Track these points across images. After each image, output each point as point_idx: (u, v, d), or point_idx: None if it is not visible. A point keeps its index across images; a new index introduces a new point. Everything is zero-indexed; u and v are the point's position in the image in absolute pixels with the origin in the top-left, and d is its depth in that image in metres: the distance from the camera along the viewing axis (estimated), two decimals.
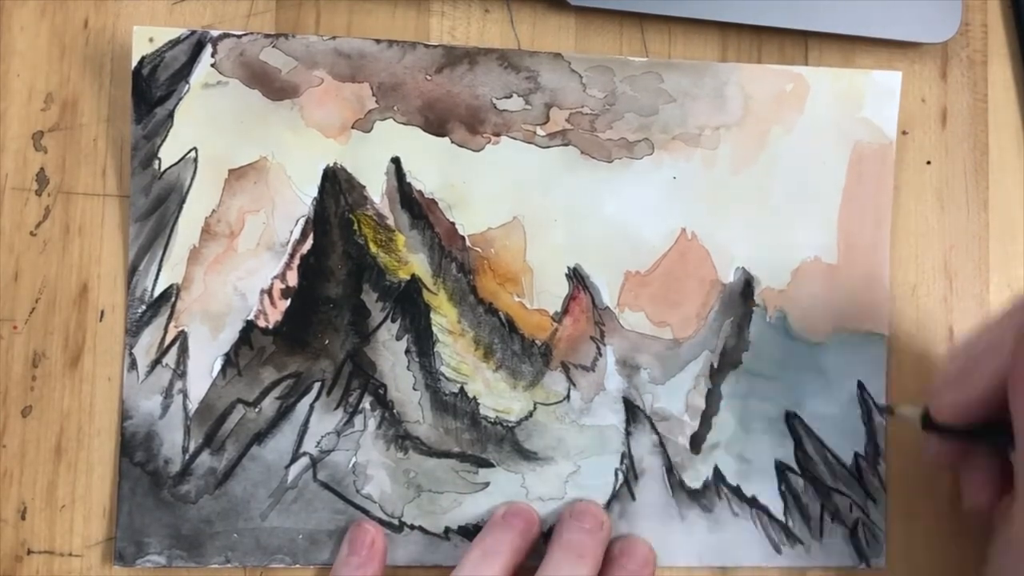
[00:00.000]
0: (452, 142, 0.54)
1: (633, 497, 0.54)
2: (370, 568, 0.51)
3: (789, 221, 0.54)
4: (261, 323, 0.53)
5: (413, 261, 0.53)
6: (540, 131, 0.54)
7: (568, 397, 0.54)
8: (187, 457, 0.52)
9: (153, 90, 0.53)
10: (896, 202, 0.57)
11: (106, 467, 0.52)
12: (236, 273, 0.53)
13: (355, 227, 0.53)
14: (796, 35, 0.57)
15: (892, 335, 0.56)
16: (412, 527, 0.52)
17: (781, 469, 0.54)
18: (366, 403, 0.53)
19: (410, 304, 0.53)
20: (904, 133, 0.57)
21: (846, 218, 0.55)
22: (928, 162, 0.57)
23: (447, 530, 0.53)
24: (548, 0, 0.56)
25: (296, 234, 0.53)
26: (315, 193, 0.53)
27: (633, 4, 0.55)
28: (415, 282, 0.53)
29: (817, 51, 0.57)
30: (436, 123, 0.54)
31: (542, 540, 0.53)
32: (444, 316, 0.53)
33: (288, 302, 0.53)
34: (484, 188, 0.54)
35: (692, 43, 0.57)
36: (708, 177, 0.55)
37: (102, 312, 0.53)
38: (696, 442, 0.54)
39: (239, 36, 0.53)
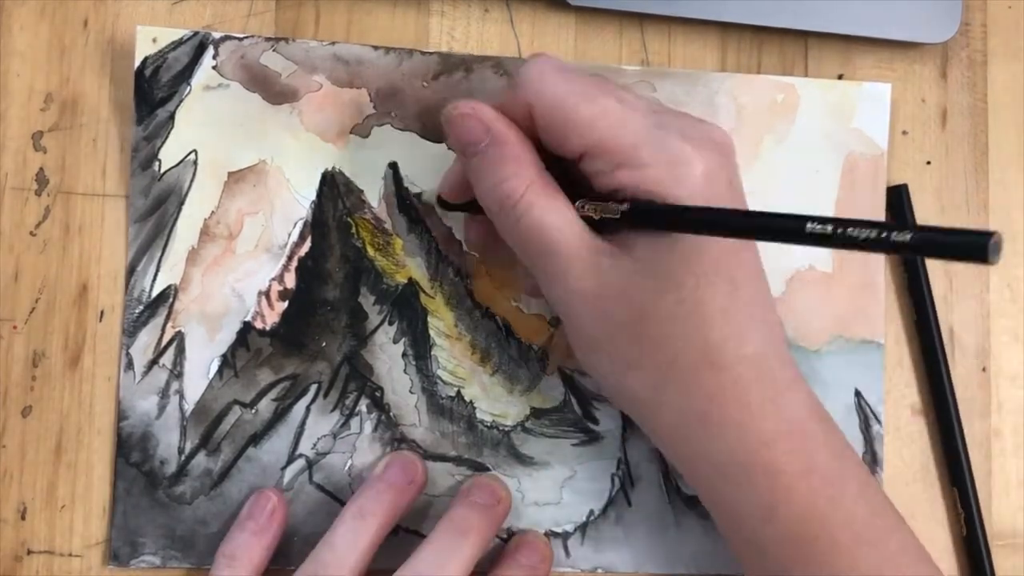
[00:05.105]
0: (448, 148, 0.54)
1: (629, 503, 0.54)
2: (265, 536, 0.50)
3: None
4: (258, 325, 0.53)
5: (410, 265, 0.53)
6: None
7: (565, 402, 0.54)
8: (183, 458, 0.52)
9: (155, 91, 0.53)
10: None
11: (106, 467, 0.52)
12: (234, 275, 0.53)
13: (353, 230, 0.53)
14: (796, 35, 0.57)
15: (890, 337, 0.56)
16: (408, 530, 0.52)
17: None
18: (363, 406, 0.53)
19: (407, 307, 0.53)
20: (904, 133, 0.57)
21: None
22: (928, 162, 0.57)
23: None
24: (548, 0, 0.56)
25: (294, 237, 0.53)
26: (313, 196, 0.53)
27: (633, 4, 0.55)
28: (412, 286, 0.53)
29: (817, 51, 0.57)
30: (433, 129, 0.54)
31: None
32: (441, 320, 0.53)
33: (285, 304, 0.53)
34: None
35: (692, 43, 0.57)
36: None
37: (102, 312, 0.53)
38: None
39: (240, 39, 0.53)
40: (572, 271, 0.45)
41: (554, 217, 0.45)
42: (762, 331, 0.45)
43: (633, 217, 0.43)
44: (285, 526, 0.51)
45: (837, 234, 0.35)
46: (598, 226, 0.45)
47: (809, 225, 0.36)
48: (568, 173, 0.46)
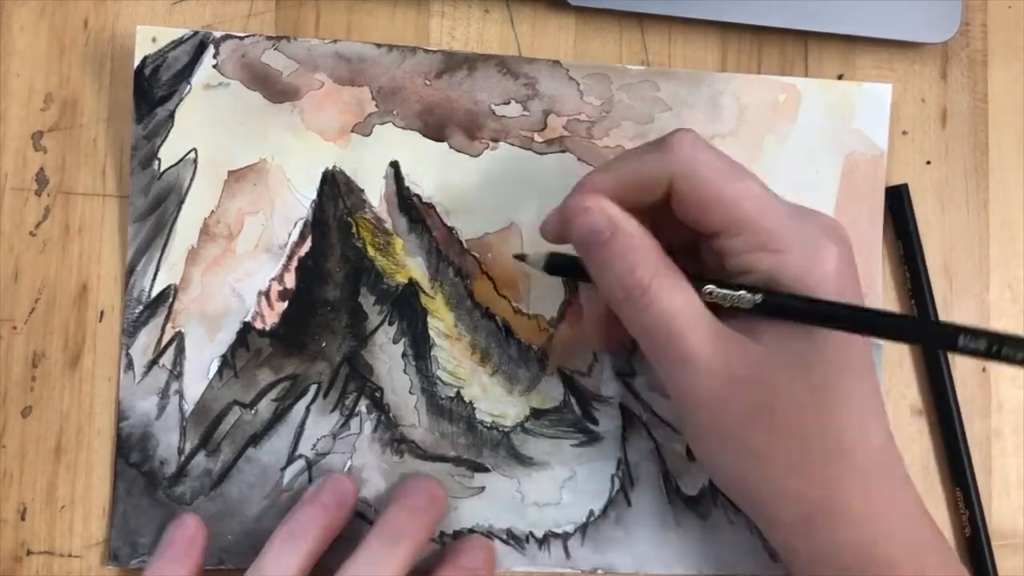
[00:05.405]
0: (450, 147, 0.54)
1: (629, 503, 0.54)
2: (184, 567, 0.49)
3: None
4: (258, 325, 0.53)
5: (411, 265, 0.53)
6: (538, 137, 0.54)
7: (564, 402, 0.54)
8: (183, 458, 0.52)
9: (155, 90, 0.53)
10: None
11: (106, 468, 0.52)
12: (234, 274, 0.53)
13: (353, 230, 0.53)
14: (796, 35, 0.57)
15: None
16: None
17: None
18: (362, 406, 0.53)
19: (407, 308, 0.53)
20: (904, 133, 0.57)
21: None
22: (928, 162, 0.57)
23: (442, 534, 0.53)
24: (548, 0, 0.56)
25: (294, 236, 0.53)
26: (314, 196, 0.53)
27: (633, 4, 0.55)
28: (412, 286, 0.53)
29: (817, 51, 0.57)
30: (435, 128, 0.54)
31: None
32: (441, 320, 0.53)
33: (285, 304, 0.53)
34: (482, 193, 0.54)
35: (692, 43, 0.57)
36: None
37: (102, 312, 0.53)
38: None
39: (241, 38, 0.53)
40: (700, 358, 0.45)
41: (681, 304, 0.45)
42: (882, 422, 0.45)
43: (768, 309, 0.43)
44: (204, 554, 0.51)
45: (992, 352, 0.35)
46: (720, 310, 0.45)
47: (962, 340, 0.36)
48: (686, 254, 0.47)
